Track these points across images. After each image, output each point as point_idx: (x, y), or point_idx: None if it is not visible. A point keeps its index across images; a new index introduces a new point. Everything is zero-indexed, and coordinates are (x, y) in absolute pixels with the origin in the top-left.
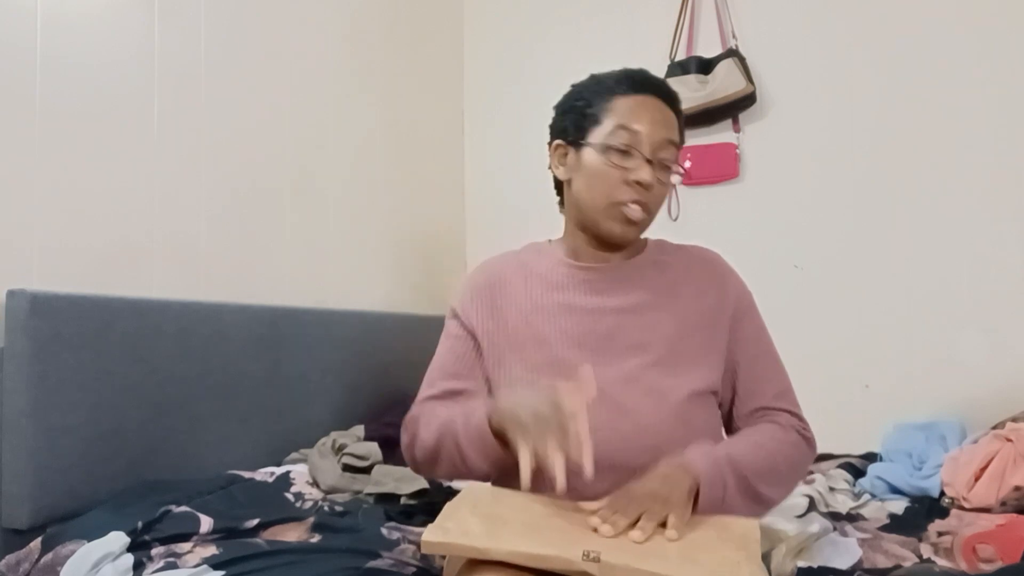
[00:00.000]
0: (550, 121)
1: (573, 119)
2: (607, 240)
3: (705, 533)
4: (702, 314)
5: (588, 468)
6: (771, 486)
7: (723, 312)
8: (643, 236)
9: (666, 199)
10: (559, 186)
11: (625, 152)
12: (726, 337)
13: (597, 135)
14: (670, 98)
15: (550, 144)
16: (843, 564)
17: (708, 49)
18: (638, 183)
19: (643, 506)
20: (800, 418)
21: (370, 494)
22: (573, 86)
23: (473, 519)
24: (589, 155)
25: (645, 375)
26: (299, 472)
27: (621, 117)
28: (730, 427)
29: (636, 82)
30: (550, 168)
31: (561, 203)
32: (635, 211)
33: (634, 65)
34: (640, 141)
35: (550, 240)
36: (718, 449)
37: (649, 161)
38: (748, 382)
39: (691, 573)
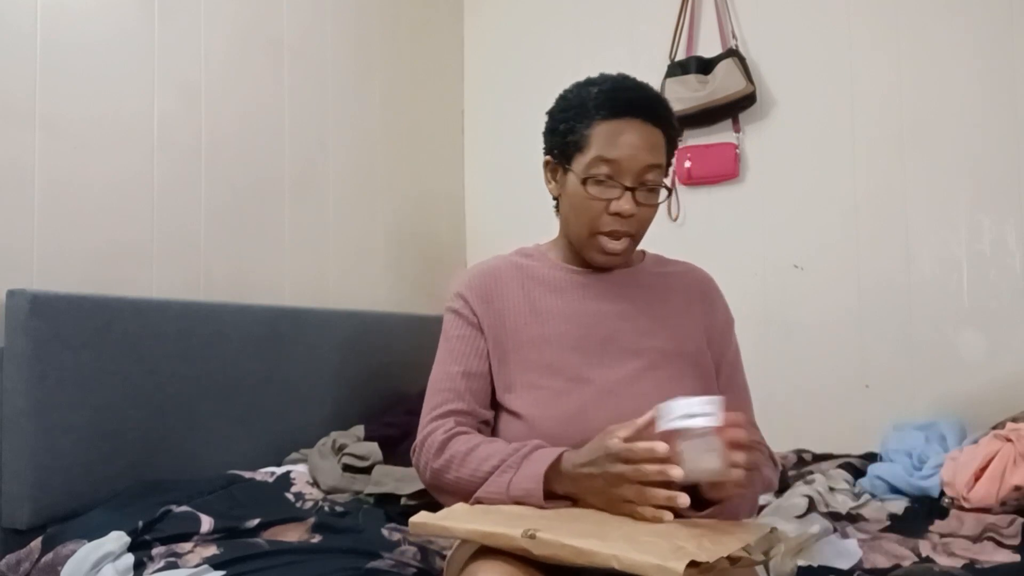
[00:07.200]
0: (543, 128)
1: (557, 143)
2: (590, 264)
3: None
4: (690, 327)
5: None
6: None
7: (709, 329)
8: (641, 248)
9: (657, 209)
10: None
11: (606, 182)
12: (708, 353)
13: (579, 163)
14: (654, 116)
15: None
16: (843, 564)
17: (708, 49)
18: (618, 214)
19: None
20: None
21: (370, 494)
22: (560, 98)
23: (463, 508)
24: (572, 183)
25: (643, 378)
26: (299, 472)
27: (601, 147)
28: None
29: (617, 105)
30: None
31: (557, 208)
32: (614, 245)
33: (634, 65)
34: (620, 170)
35: (538, 244)
36: None
37: (632, 188)
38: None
39: (620, 550)
